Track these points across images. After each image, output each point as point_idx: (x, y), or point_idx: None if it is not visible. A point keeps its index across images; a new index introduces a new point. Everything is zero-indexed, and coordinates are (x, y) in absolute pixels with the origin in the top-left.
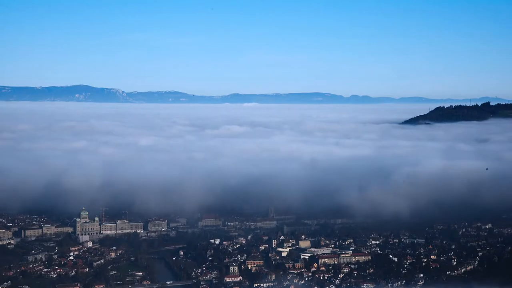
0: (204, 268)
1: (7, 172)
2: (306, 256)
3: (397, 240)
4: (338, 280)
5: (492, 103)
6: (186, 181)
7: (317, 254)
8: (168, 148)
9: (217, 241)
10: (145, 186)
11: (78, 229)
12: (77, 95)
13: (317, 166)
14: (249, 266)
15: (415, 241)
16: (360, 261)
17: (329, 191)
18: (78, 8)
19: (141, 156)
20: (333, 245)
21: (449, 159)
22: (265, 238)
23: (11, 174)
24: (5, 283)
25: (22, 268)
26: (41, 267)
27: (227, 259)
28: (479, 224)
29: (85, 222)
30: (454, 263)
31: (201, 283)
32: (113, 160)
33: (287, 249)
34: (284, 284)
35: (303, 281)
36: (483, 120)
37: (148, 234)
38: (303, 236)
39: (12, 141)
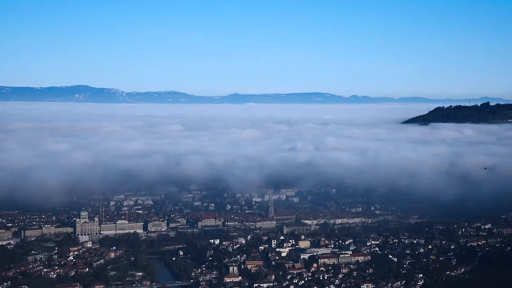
0: (203, 268)
1: None
2: (306, 256)
3: (396, 240)
4: (338, 280)
5: (491, 103)
6: None
7: (316, 254)
8: None
9: (217, 241)
10: None
11: (78, 229)
12: (76, 95)
13: None
14: (248, 266)
15: (414, 241)
16: (360, 261)
17: None
18: (78, 8)
19: None
20: (332, 245)
21: None
22: (265, 238)
23: None
24: (5, 283)
25: (22, 268)
26: (41, 267)
27: (226, 259)
28: (478, 224)
29: (85, 222)
30: (454, 263)
31: (201, 283)
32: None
33: (287, 249)
34: (284, 284)
35: (303, 281)
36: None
37: (148, 234)
38: (302, 236)
39: None
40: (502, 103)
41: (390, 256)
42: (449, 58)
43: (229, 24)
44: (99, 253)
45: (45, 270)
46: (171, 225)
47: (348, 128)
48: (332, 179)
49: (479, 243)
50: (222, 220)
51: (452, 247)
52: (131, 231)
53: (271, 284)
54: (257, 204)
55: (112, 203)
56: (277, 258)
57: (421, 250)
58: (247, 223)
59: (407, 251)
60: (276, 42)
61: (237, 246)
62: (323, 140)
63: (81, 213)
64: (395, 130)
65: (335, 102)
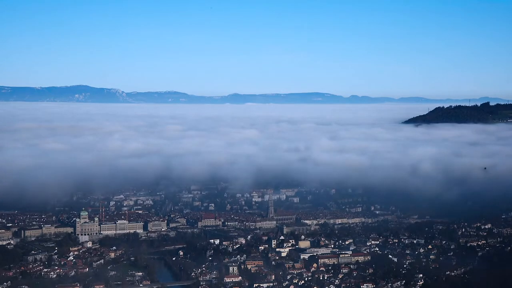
0: (203, 268)
1: None
2: (306, 256)
3: (396, 240)
4: (338, 280)
5: (491, 103)
6: None
7: (316, 254)
8: None
9: (217, 241)
10: None
11: (78, 229)
12: (76, 95)
13: None
14: (248, 266)
15: (414, 241)
16: (360, 261)
17: None
18: (78, 8)
19: None
20: (332, 245)
21: None
22: (265, 238)
23: None
24: (5, 283)
25: (22, 268)
26: (41, 267)
27: (226, 259)
28: (478, 224)
29: (85, 222)
30: (454, 263)
31: (201, 283)
32: None
33: (287, 249)
34: (284, 284)
35: (303, 281)
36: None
37: (148, 234)
38: (302, 236)
39: None
40: (502, 103)
41: (390, 256)
42: (449, 58)
43: (229, 24)
44: (99, 253)
45: (45, 270)
46: (171, 225)
47: (348, 128)
48: (332, 179)
49: (479, 243)
50: (222, 220)
51: (452, 247)
52: (131, 231)
53: (271, 284)
54: (257, 204)
55: (112, 203)
56: (277, 258)
57: (421, 250)
58: (247, 223)
59: (407, 251)
60: (276, 42)
61: (237, 246)
62: (323, 140)
63: (81, 213)
64: (395, 130)
65: (335, 102)
